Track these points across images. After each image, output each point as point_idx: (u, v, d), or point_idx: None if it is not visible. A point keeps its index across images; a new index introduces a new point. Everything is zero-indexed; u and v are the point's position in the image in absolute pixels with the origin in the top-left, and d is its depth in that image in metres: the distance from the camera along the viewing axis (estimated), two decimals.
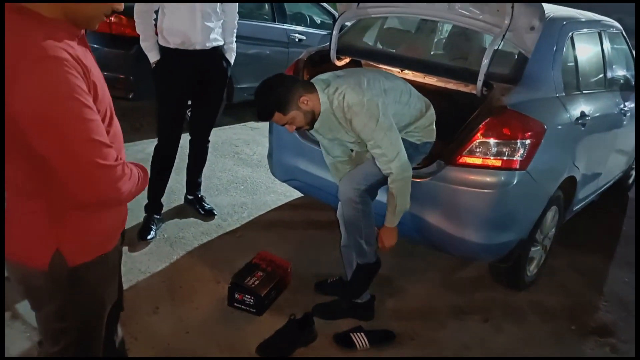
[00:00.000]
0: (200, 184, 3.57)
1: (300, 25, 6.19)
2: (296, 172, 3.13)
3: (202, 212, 3.47)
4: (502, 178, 2.47)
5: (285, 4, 5.93)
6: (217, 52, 3.17)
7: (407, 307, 2.80)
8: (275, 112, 2.20)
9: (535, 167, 2.52)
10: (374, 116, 2.20)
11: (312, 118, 2.27)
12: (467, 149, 2.47)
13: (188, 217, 3.44)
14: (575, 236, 3.74)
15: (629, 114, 3.63)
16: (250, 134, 5.32)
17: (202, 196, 3.56)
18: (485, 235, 2.54)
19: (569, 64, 2.96)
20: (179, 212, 3.48)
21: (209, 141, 3.45)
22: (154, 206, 3.24)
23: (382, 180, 2.36)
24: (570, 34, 2.97)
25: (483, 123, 2.45)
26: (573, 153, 2.88)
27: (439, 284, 3.04)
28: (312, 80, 2.32)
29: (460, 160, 2.50)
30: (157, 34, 3.03)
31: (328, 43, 3.27)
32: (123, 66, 4.56)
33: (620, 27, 3.89)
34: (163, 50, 3.03)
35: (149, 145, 4.51)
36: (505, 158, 2.45)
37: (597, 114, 3.11)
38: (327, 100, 2.25)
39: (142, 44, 3.03)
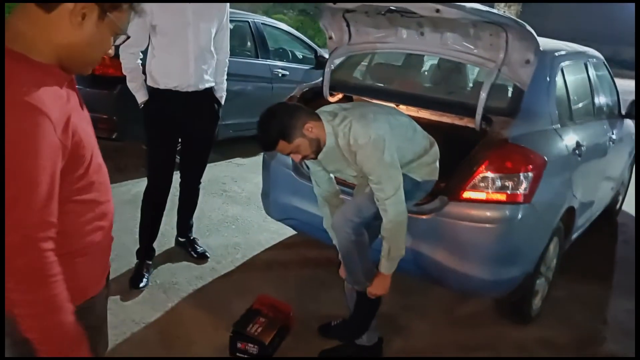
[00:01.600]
0: (192, 226, 3.45)
1: (283, 61, 6.21)
2: (293, 211, 3.06)
3: (195, 255, 3.34)
4: (507, 212, 2.44)
5: (268, 40, 5.94)
6: (208, 93, 3.07)
7: (412, 346, 2.71)
8: (280, 140, 2.10)
9: (539, 199, 2.50)
10: (378, 151, 2.15)
11: (318, 147, 2.19)
12: (470, 184, 2.45)
13: (180, 260, 3.32)
14: (572, 265, 3.72)
15: (615, 141, 3.69)
16: (237, 171, 5.24)
17: (194, 238, 3.45)
18: (492, 270, 2.50)
19: (561, 95, 2.98)
20: (170, 256, 3.36)
21: (200, 183, 3.34)
22: (146, 252, 3.11)
23: (377, 215, 2.30)
24: (560, 65, 3.01)
25: (485, 157, 2.43)
26: (571, 183, 2.88)
27: (443, 320, 2.97)
28: (317, 111, 2.27)
29: (464, 196, 2.47)
30: (144, 74, 2.93)
31: (320, 80, 3.26)
32: (106, 106, 4.47)
33: (602, 57, 3.98)
34: (152, 91, 2.92)
35: (134, 186, 4.42)
36: (509, 192, 2.43)
37: (590, 143, 3.14)
38: (332, 131, 2.19)
39: (130, 85, 2.92)
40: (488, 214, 2.44)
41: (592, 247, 4.14)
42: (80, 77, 4.33)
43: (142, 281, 2.96)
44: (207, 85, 3.00)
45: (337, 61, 3.25)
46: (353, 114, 2.22)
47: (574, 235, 3.41)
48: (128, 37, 1.22)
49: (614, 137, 3.66)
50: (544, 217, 2.62)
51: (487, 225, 2.45)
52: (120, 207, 3.92)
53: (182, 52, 2.83)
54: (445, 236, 2.52)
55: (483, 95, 2.54)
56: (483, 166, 2.43)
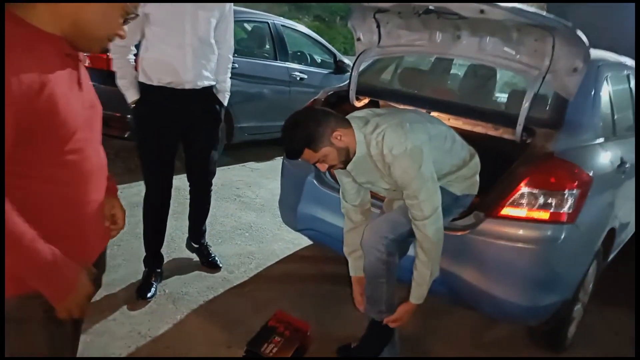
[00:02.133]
0: (204, 232, 3.24)
1: (302, 64, 6.05)
2: (313, 222, 2.87)
3: (206, 264, 3.16)
4: (549, 232, 2.24)
5: (287, 42, 5.79)
6: (208, 93, 2.78)
7: None
8: (305, 148, 1.94)
9: (583, 220, 2.30)
10: (416, 163, 1.96)
11: (347, 156, 2.02)
12: (510, 200, 2.25)
13: (191, 269, 3.14)
14: (601, 289, 3.50)
15: None
16: (251, 176, 5.07)
17: (206, 245, 3.25)
18: (530, 296, 2.29)
19: (605, 107, 2.78)
20: (180, 264, 3.18)
21: (211, 185, 3.08)
22: (153, 259, 2.91)
23: (412, 232, 2.12)
24: (605, 75, 2.81)
25: (529, 171, 2.23)
26: (614, 203, 2.67)
27: (470, 344, 2.76)
28: (347, 117, 2.09)
29: (502, 212, 2.27)
30: (136, 70, 2.67)
31: (346, 83, 3.09)
32: (119, 104, 4.29)
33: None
34: (144, 88, 2.64)
35: (143, 188, 4.24)
36: (552, 210, 2.22)
37: (633, 160, 2.93)
38: (363, 139, 2.01)
39: (119, 82, 2.65)
40: (529, 233, 2.24)
41: (619, 271, 3.90)
42: (94, 74, 4.19)
43: (150, 291, 2.77)
44: (207, 84, 2.73)
45: (365, 64, 3.07)
46: (388, 120, 2.03)
47: (610, 258, 3.20)
48: (137, 16, 1.23)
49: None
50: (587, 239, 2.42)
51: (527, 245, 2.24)
52: (129, 209, 3.68)
53: (178, 44, 2.56)
54: (480, 256, 2.32)
55: (525, 105, 2.34)
56: (525, 181, 2.23)
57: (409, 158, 1.95)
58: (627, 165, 2.75)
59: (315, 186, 2.82)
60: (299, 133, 1.95)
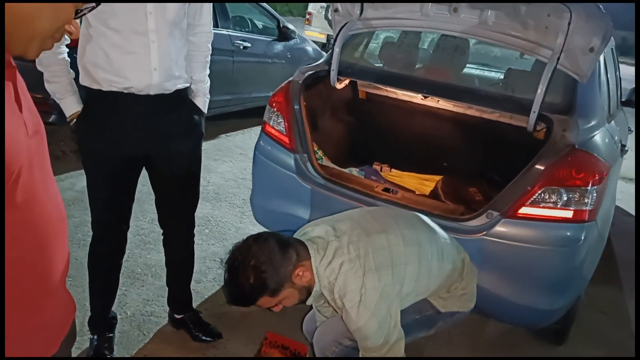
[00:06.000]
0: (191, 298, 2.40)
1: (244, 31, 5.52)
2: (293, 222, 2.52)
3: (203, 336, 2.32)
4: (572, 232, 2.04)
5: (228, 6, 5.22)
6: (182, 99, 2.00)
7: None
8: (260, 296, 1.57)
9: (600, 215, 2.13)
10: (369, 310, 1.57)
11: (308, 293, 1.66)
12: (531, 199, 2.02)
13: (151, 282, 2.71)
14: None
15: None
16: None
17: (197, 313, 2.42)
18: (550, 300, 2.11)
19: (605, 89, 2.61)
20: (136, 276, 2.74)
21: (193, 234, 2.30)
22: (102, 322, 2.19)
23: None
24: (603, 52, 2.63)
25: (552, 166, 2.01)
26: (616, 188, 2.53)
27: (468, 347, 2.58)
28: (306, 240, 1.68)
29: (521, 212, 2.05)
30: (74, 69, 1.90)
31: (322, 61, 2.71)
32: (41, 84, 3.66)
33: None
34: (89, 95, 1.87)
35: (79, 179, 3.70)
36: (575, 208, 2.02)
37: (623, 140, 2.81)
38: (316, 273, 1.62)
39: (50, 87, 1.88)
40: (551, 234, 2.03)
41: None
42: None
43: None
44: (180, 86, 1.95)
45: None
46: (346, 250, 1.61)
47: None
48: (98, 4, 0.86)
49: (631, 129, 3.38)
50: (603, 234, 2.27)
51: (550, 247, 2.04)
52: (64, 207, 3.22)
53: (137, 32, 1.77)
54: (496, 260, 2.10)
55: (540, 90, 2.10)
56: (547, 177, 2.00)
57: (363, 302, 1.57)
58: (626, 148, 2.62)
59: (297, 182, 2.47)
60: (254, 281, 1.53)
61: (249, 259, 1.54)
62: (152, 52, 1.81)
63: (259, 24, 5.95)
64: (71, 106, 1.91)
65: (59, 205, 0.92)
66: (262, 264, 1.53)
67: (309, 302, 1.71)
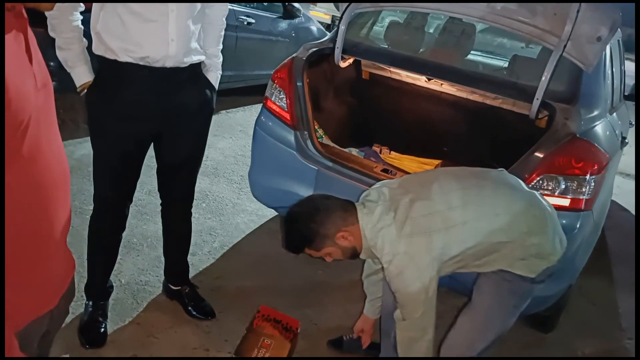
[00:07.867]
0: (188, 270, 2.39)
1: (247, 7, 5.46)
2: (289, 198, 2.53)
3: (196, 313, 2.30)
4: (567, 221, 2.04)
5: None
6: (196, 72, 1.97)
7: None
8: (305, 247, 1.74)
9: (597, 205, 2.14)
10: (415, 278, 1.61)
11: (354, 253, 1.73)
12: (529, 186, 2.02)
13: (147, 251, 2.72)
14: None
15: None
16: None
17: (193, 286, 2.40)
18: (544, 286, 2.10)
19: (608, 78, 2.60)
20: (131, 245, 2.75)
21: (191, 207, 2.29)
22: (99, 290, 2.19)
23: None
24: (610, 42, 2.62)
25: (552, 154, 2.01)
26: (614, 180, 2.54)
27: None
28: (361, 203, 1.73)
29: None
30: (89, 38, 1.85)
31: (327, 38, 2.70)
32: (42, 49, 3.63)
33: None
34: (103, 65, 1.83)
35: (77, 148, 3.68)
36: (572, 197, 2.03)
37: (625, 133, 2.81)
38: (363, 235, 1.68)
39: (61, 55, 1.83)
40: None
41: None
42: None
43: (98, 334, 2.08)
44: (196, 59, 1.91)
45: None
46: (390, 214, 1.64)
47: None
48: None
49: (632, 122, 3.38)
50: (598, 225, 2.28)
51: None
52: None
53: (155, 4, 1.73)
54: None
55: (545, 77, 2.10)
56: (546, 165, 2.01)
57: (411, 271, 1.61)
58: (626, 141, 2.62)
59: (297, 159, 2.48)
60: (297, 233, 1.75)
61: (302, 213, 1.73)
62: (171, 21, 1.75)
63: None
64: (82, 76, 1.87)
65: (63, 162, 0.92)
66: (304, 220, 1.70)
67: (362, 257, 1.78)
